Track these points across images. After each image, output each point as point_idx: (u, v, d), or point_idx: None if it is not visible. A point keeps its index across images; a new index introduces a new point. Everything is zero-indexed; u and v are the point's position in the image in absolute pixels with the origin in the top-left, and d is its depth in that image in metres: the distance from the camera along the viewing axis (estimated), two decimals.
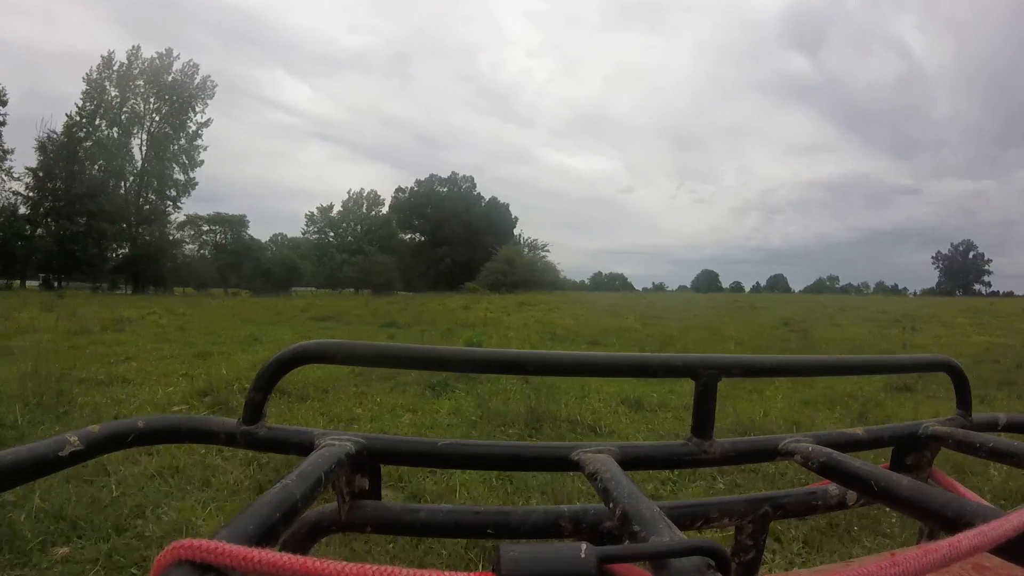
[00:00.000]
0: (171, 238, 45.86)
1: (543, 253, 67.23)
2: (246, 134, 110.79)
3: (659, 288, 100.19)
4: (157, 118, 44.48)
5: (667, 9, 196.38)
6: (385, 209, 66.95)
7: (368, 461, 0.49)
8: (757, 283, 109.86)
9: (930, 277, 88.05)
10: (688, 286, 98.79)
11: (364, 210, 65.33)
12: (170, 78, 44.40)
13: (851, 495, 0.57)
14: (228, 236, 48.71)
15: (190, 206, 51.07)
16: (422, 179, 70.14)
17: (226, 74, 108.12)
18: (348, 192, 67.51)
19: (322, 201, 67.65)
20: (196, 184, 46.07)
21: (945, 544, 0.28)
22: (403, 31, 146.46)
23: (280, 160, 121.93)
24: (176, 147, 45.24)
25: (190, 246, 47.72)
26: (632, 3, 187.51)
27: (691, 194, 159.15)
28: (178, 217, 46.62)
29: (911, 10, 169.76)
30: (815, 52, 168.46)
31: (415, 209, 67.87)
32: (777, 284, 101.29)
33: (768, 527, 0.56)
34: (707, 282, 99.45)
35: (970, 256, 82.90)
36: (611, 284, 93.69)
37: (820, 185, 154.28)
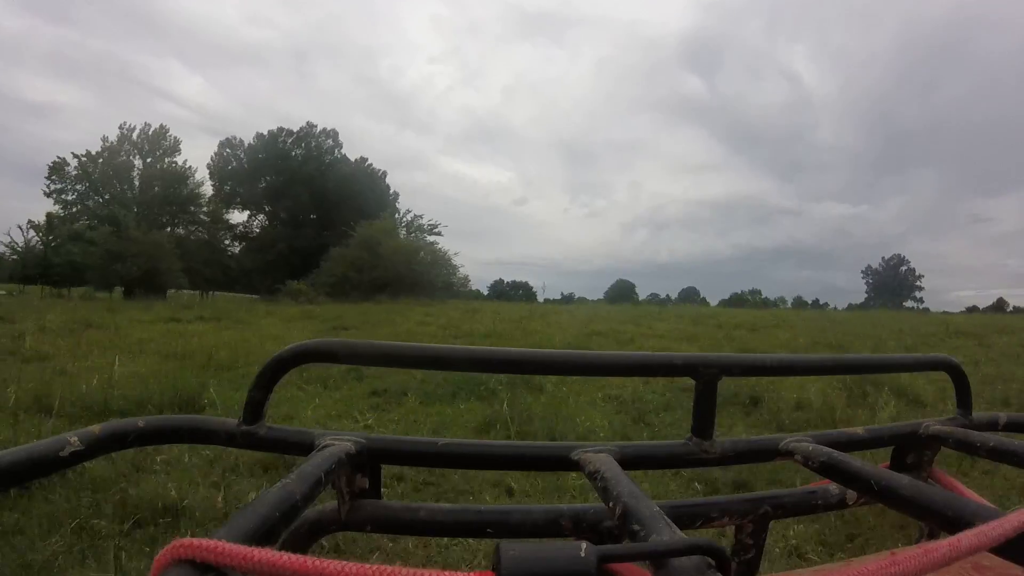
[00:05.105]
0: None
1: (432, 238, 42.01)
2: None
3: (569, 299, 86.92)
4: None
5: (569, 23, 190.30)
6: (184, 161, 43.89)
7: (368, 461, 0.48)
8: (668, 295, 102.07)
9: (848, 293, 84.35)
10: (589, 298, 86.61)
11: (150, 161, 41.64)
12: None
13: (851, 494, 0.57)
14: None
15: None
16: (264, 133, 47.16)
17: (108, 54, 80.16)
18: (120, 127, 41.59)
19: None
20: None
21: (945, 544, 0.28)
22: (303, 26, 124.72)
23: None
24: None
25: None
26: (534, 15, 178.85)
27: (584, 208, 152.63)
28: None
29: (804, 40, 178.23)
30: (710, 75, 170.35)
31: (251, 177, 45.12)
32: (691, 297, 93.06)
33: (768, 526, 0.55)
34: (624, 293, 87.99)
35: (901, 271, 79.31)
36: (514, 294, 79.27)
37: (707, 203, 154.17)
